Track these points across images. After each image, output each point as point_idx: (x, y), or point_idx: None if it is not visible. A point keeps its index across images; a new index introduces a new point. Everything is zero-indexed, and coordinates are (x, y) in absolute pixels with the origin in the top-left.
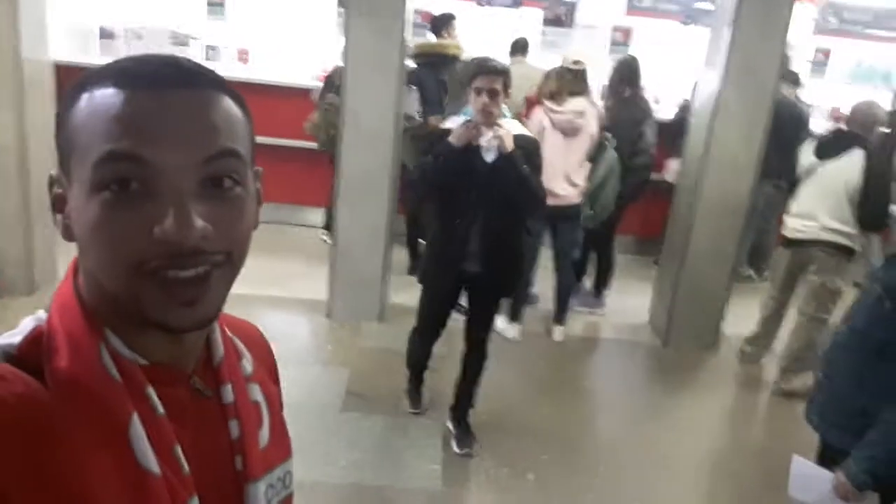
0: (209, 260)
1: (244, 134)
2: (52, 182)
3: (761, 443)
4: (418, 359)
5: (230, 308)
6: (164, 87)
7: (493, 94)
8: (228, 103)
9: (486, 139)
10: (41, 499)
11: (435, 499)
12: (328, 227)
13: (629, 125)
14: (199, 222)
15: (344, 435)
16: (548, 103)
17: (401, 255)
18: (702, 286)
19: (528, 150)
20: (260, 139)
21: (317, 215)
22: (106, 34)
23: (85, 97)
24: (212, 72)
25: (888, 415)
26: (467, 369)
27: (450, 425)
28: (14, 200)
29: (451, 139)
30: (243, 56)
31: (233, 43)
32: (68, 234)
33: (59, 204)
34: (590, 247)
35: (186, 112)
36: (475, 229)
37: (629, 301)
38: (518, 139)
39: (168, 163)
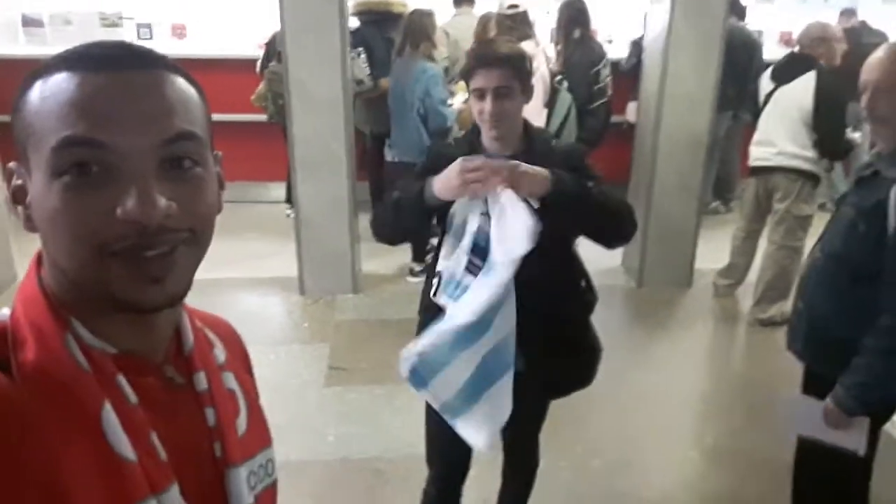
0: (174, 238)
1: (200, 115)
2: (11, 174)
3: (743, 375)
4: None
5: (202, 294)
6: (117, 68)
7: (501, 96)
8: (183, 84)
9: (495, 198)
10: (16, 493)
11: (425, 465)
12: (290, 200)
13: (583, 68)
14: (161, 201)
15: (329, 410)
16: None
17: (367, 223)
18: (671, 224)
19: (574, 163)
20: (213, 116)
21: (279, 190)
22: (30, 22)
23: (38, 84)
24: (163, 55)
25: (871, 339)
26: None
27: None
28: None
29: (437, 186)
30: (179, 31)
31: (166, 19)
32: (30, 225)
33: (19, 195)
34: None
35: (141, 93)
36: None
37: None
38: (556, 155)
39: (126, 145)
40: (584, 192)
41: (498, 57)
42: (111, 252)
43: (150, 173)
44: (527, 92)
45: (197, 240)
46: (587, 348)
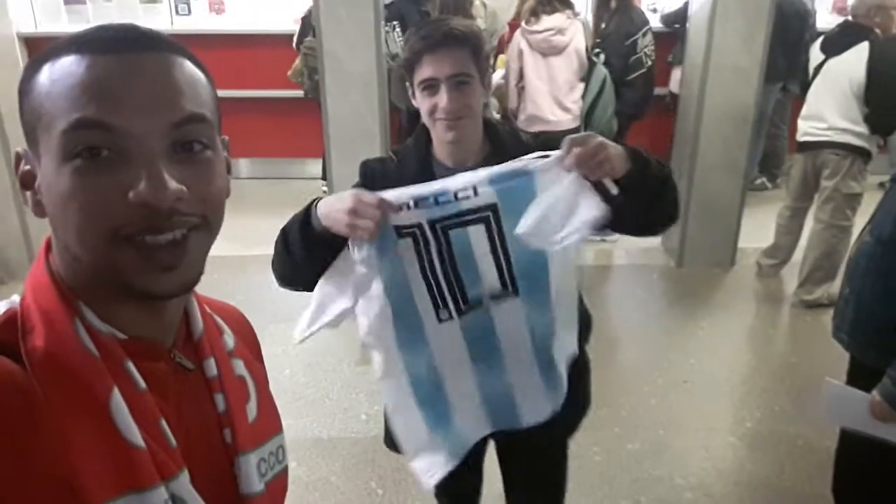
0: (186, 222)
1: (208, 98)
2: (19, 159)
3: (786, 358)
4: None
5: (240, 270)
6: (126, 51)
7: (459, 86)
8: (191, 67)
9: (552, 181)
10: (27, 479)
11: None
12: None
13: (619, 38)
14: (172, 184)
15: (363, 388)
16: (524, 25)
17: None
18: (713, 200)
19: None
20: (246, 93)
21: (317, 166)
22: (71, 0)
23: (46, 67)
24: (172, 37)
25: None
26: None
27: None
28: (3, 181)
29: (322, 211)
30: (217, 7)
31: None
32: (40, 210)
33: (28, 181)
34: None
35: (151, 76)
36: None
37: None
38: (531, 150)
39: (137, 128)
40: (658, 166)
41: (453, 36)
42: (123, 237)
43: (161, 156)
44: (486, 84)
45: (208, 225)
46: (580, 368)
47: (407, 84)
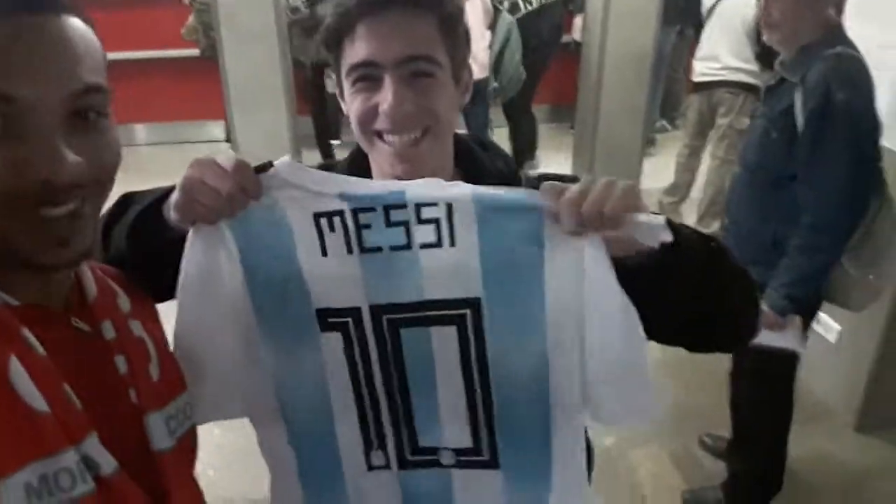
0: (81, 193)
1: (102, 63)
2: None
3: None
4: None
5: None
6: (21, 11)
7: (417, 77)
8: (86, 30)
9: (561, 251)
10: None
11: None
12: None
13: None
14: (71, 156)
15: None
16: None
17: (313, 158)
18: (617, 144)
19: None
20: (139, 54)
21: (219, 129)
22: None
23: None
24: None
25: (795, 239)
26: None
27: None
28: None
29: (175, 210)
30: None
31: None
32: None
33: None
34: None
35: (48, 42)
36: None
37: (550, 170)
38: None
39: (33, 98)
40: (710, 241)
41: None
42: (15, 208)
43: (58, 128)
44: (464, 80)
45: (101, 190)
46: None
47: (329, 72)
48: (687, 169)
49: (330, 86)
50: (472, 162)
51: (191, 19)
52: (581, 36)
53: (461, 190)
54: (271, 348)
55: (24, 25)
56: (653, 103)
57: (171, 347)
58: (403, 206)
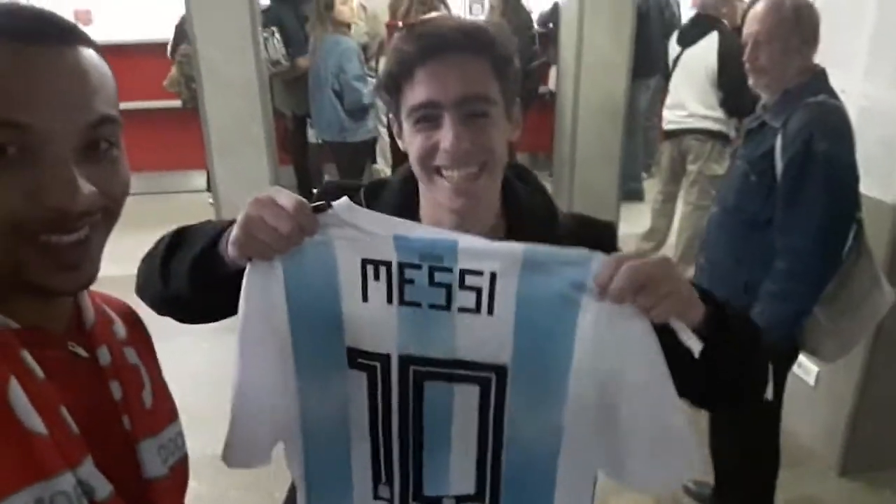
0: (90, 221)
1: (114, 94)
2: None
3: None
4: None
5: (120, 288)
6: (41, 42)
7: (475, 117)
8: (101, 62)
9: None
10: None
11: None
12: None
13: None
14: (85, 187)
15: None
16: (403, 26)
17: None
18: (594, 191)
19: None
20: (124, 105)
21: (201, 178)
22: None
23: None
24: (78, 26)
25: (769, 284)
26: None
27: None
28: None
29: (232, 246)
30: (83, 17)
31: (69, 4)
32: None
33: None
34: None
35: (65, 73)
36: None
37: None
38: (566, 242)
39: (48, 128)
40: (744, 316)
41: (465, 35)
42: (25, 233)
43: (72, 157)
44: (515, 118)
45: (110, 218)
46: None
47: (388, 115)
48: (662, 214)
49: (311, 136)
50: (515, 198)
51: (173, 71)
52: (556, 86)
53: (511, 248)
54: (302, 373)
55: (42, 56)
56: (635, 158)
57: (232, 394)
58: (449, 269)
